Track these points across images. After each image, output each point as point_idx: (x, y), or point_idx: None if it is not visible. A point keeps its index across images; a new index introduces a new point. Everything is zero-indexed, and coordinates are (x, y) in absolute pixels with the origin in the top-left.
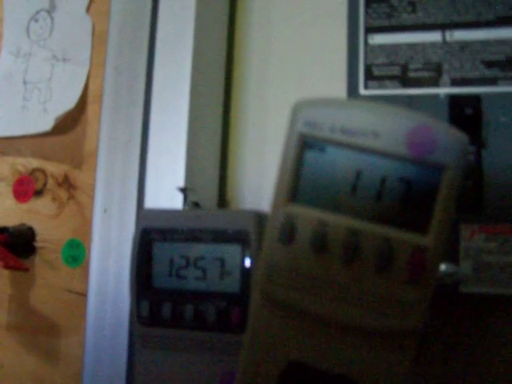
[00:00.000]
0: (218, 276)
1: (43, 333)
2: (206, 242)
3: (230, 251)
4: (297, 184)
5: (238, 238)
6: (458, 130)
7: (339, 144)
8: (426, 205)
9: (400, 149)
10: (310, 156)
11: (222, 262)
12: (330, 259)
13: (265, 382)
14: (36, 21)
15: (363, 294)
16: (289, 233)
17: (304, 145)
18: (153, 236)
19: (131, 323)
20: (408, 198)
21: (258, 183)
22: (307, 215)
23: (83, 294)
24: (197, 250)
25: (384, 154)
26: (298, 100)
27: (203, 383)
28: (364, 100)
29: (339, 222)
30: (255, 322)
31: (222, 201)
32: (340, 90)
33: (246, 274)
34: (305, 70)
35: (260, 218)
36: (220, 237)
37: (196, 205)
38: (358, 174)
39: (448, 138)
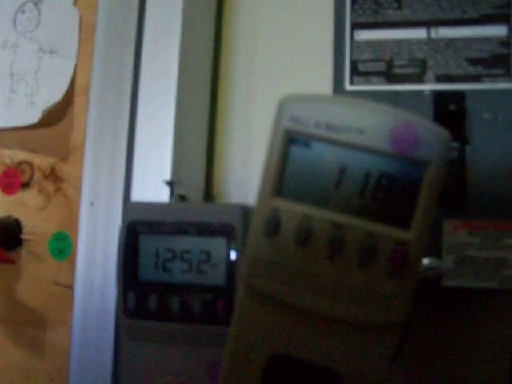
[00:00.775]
0: (204, 269)
1: (29, 325)
2: (191, 235)
3: (216, 244)
4: (282, 178)
5: (224, 231)
6: (441, 127)
7: (324, 140)
8: (408, 200)
9: (384, 145)
10: (295, 151)
11: (208, 255)
12: (314, 253)
13: (249, 374)
14: (23, 12)
15: (346, 287)
16: (273, 226)
17: (289, 140)
18: (139, 229)
19: (117, 315)
20: (391, 193)
21: (244, 177)
22: (292, 209)
23: (70, 287)
24: (183, 243)
25: (368, 150)
26: (284, 96)
27: (189, 374)
28: (349, 96)
29: (323, 216)
30: (240, 315)
31: (209, 194)
32: (326, 85)
33: (231, 267)
34: (291, 65)
35: (245, 212)
36: (206, 230)
37: (182, 198)
38: (343, 170)
39: (431, 134)
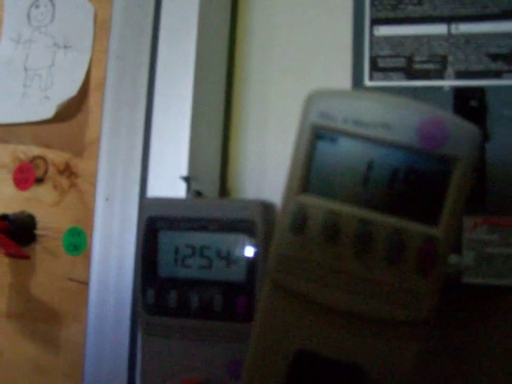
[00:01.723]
0: (224, 265)
1: (44, 321)
2: (211, 231)
3: (236, 240)
4: (309, 174)
5: (244, 227)
6: (470, 123)
7: (351, 135)
8: (436, 196)
9: (411, 141)
10: (323, 147)
11: (228, 251)
12: (341, 249)
13: (273, 371)
14: (37, 7)
15: (373, 284)
16: (300, 222)
17: (317, 135)
18: (158, 225)
19: (133, 311)
20: (419, 189)
21: (259, 173)
22: (319, 205)
23: (84, 283)
24: (202, 238)
25: (396, 146)
26: (312, 91)
27: (209, 371)
28: (377, 92)
29: (351, 212)
30: (264, 311)
31: (223, 190)
32: (345, 81)
33: (251, 263)
34: (308, 60)
35: (266, 208)
36: (226, 226)
37: (198, 194)
38: (370, 165)
39: (460, 130)
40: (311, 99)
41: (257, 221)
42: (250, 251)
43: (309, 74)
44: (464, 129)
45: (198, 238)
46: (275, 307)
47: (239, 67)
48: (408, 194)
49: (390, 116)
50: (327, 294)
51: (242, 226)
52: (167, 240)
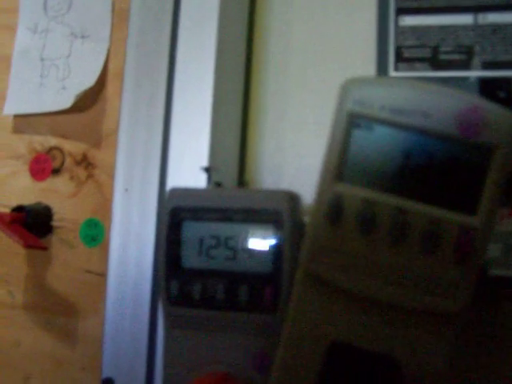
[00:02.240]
0: (249, 256)
1: (61, 313)
2: (237, 222)
3: (262, 231)
4: (345, 163)
5: (271, 217)
6: (509, 111)
7: (388, 123)
8: (475, 185)
9: (450, 129)
10: (359, 135)
11: (254, 241)
12: (377, 239)
13: (306, 363)
14: None
15: (409, 274)
16: (336, 212)
17: (353, 123)
18: (182, 215)
19: (152, 304)
20: (457, 178)
21: (277, 164)
22: (355, 194)
23: (102, 274)
24: (228, 229)
25: (434, 134)
26: (348, 78)
27: (234, 364)
28: (414, 80)
29: (387, 201)
30: (298, 302)
31: (241, 182)
32: (369, 72)
33: (277, 253)
34: (329, 52)
35: (292, 198)
36: (252, 216)
37: (218, 185)
38: (407, 154)
39: (499, 118)
40: (347, 87)
41: (283, 211)
42: (276, 242)
43: (329, 65)
44: (503, 117)
45: (223, 229)
46: (308, 298)
47: (257, 57)
48: (445, 183)
49: (429, 104)
50: (362, 284)
51: (268, 217)
52: (191, 231)
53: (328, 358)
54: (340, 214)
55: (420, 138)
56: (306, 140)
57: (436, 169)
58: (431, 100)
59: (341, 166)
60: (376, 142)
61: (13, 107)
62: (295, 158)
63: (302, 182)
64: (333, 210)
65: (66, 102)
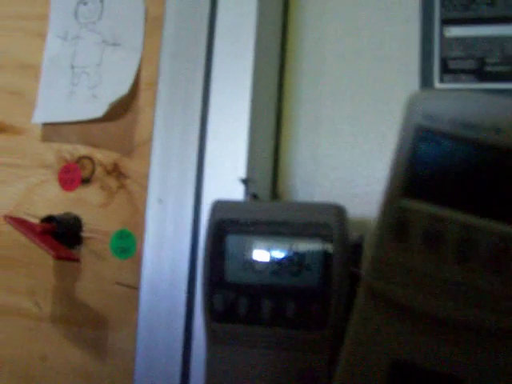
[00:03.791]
0: (297, 270)
1: (90, 326)
2: (284, 236)
3: (310, 245)
4: (411, 178)
5: (319, 231)
6: None
7: (458, 138)
8: None
9: None
10: (426, 149)
11: (301, 256)
12: (444, 256)
13: (368, 381)
14: (85, 4)
15: (477, 292)
16: (402, 228)
17: (420, 137)
18: (227, 228)
19: (187, 317)
20: None
21: (311, 175)
22: (421, 210)
23: (133, 287)
24: (274, 243)
25: (505, 150)
26: (415, 91)
27: (279, 381)
28: (483, 93)
29: (454, 217)
30: (360, 320)
31: (274, 193)
32: (410, 82)
33: (326, 268)
34: (368, 63)
35: (340, 211)
36: (299, 230)
37: (255, 196)
38: (476, 170)
39: None
40: (415, 100)
41: (332, 225)
42: (324, 255)
43: (366, 76)
44: None
45: (270, 242)
46: (371, 316)
47: (291, 66)
48: None
49: (501, 119)
50: (428, 302)
51: (316, 230)
52: (236, 244)
53: (390, 378)
54: (406, 230)
55: (491, 153)
56: (341, 151)
57: (506, 185)
58: (504, 115)
59: (407, 181)
60: (444, 157)
61: (42, 116)
62: (329, 169)
63: (336, 194)
64: (399, 226)
65: (98, 110)
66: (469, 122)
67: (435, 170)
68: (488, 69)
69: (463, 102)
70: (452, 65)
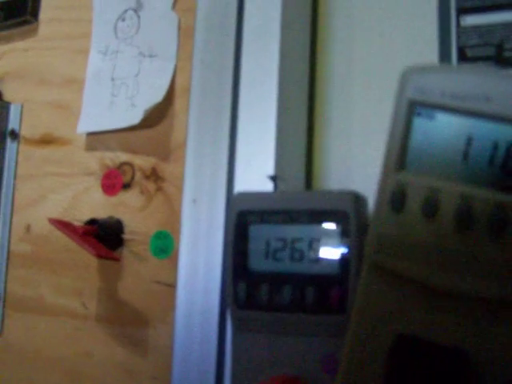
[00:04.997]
0: (316, 257)
1: (131, 324)
2: (303, 223)
3: (328, 232)
4: (407, 151)
5: (337, 218)
6: None
7: (450, 109)
8: None
9: None
10: (420, 122)
11: (320, 242)
12: (442, 226)
13: (373, 355)
14: (123, 20)
15: (477, 261)
16: (399, 200)
17: (413, 111)
18: (249, 218)
19: (221, 314)
20: None
21: (344, 174)
22: (418, 182)
23: (171, 285)
24: (294, 231)
25: (496, 119)
26: (407, 67)
27: (302, 367)
28: (472, 65)
29: (451, 188)
30: (363, 295)
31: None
32: None
33: (344, 254)
34: (393, 56)
35: (358, 199)
36: (317, 218)
37: (274, 179)
38: (470, 140)
39: None
40: (406, 75)
41: (349, 211)
42: (342, 242)
43: (394, 70)
44: None
45: (289, 231)
46: (374, 290)
47: (321, 67)
48: (510, 168)
49: (490, 88)
50: (429, 273)
51: (334, 217)
52: (258, 233)
53: (395, 351)
54: (404, 202)
55: (483, 123)
56: (373, 149)
57: (500, 154)
58: (493, 84)
59: (403, 154)
60: (438, 129)
61: (85, 126)
62: (362, 167)
63: (370, 192)
64: (396, 198)
65: (135, 118)
66: (459, 92)
67: (429, 142)
68: (507, 54)
69: (453, 74)
70: (470, 53)
